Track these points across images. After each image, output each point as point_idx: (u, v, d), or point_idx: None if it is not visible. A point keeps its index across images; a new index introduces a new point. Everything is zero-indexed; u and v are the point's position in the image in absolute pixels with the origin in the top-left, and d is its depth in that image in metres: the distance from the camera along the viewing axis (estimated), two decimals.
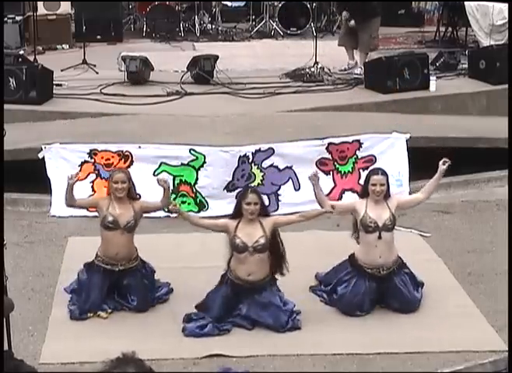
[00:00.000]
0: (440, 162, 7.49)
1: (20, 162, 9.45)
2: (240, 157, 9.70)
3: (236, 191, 9.61)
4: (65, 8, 15.32)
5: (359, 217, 7.30)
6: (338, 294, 7.38)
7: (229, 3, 17.86)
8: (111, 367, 3.58)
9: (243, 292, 7.09)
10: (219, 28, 16.99)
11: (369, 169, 7.84)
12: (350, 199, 7.53)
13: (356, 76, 12.79)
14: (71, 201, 7.40)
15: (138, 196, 7.50)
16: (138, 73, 12.43)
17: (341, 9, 13.38)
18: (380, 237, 7.26)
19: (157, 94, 11.99)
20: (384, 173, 7.42)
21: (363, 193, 7.45)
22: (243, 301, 7.10)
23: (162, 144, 9.86)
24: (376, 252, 7.27)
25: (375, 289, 7.33)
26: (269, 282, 7.13)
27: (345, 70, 13.00)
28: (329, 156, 9.98)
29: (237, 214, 7.10)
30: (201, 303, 7.16)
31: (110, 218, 7.27)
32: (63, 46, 15.17)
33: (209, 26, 16.99)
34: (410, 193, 9.95)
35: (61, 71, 12.80)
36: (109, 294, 7.40)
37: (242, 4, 17.98)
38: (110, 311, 7.32)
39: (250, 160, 9.73)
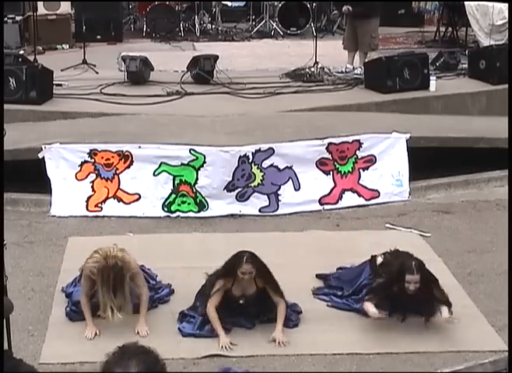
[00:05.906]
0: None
1: (20, 162, 9.44)
2: (240, 157, 9.69)
3: (236, 191, 9.64)
4: (65, 8, 15.33)
5: None
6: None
7: (229, 3, 17.87)
8: (112, 362, 3.48)
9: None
10: (219, 28, 17.00)
11: (402, 263, 6.98)
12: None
13: (356, 76, 12.79)
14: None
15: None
16: (138, 73, 12.43)
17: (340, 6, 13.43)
18: None
19: (157, 94, 11.98)
20: (419, 270, 6.86)
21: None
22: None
23: (162, 144, 9.86)
24: None
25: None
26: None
27: (342, 73, 13.00)
28: (329, 156, 9.98)
29: (230, 273, 6.90)
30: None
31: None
32: (63, 46, 15.19)
33: (209, 26, 17.00)
34: (410, 193, 10.00)
35: (61, 71, 12.80)
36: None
37: (242, 4, 17.99)
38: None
39: (250, 160, 9.72)
